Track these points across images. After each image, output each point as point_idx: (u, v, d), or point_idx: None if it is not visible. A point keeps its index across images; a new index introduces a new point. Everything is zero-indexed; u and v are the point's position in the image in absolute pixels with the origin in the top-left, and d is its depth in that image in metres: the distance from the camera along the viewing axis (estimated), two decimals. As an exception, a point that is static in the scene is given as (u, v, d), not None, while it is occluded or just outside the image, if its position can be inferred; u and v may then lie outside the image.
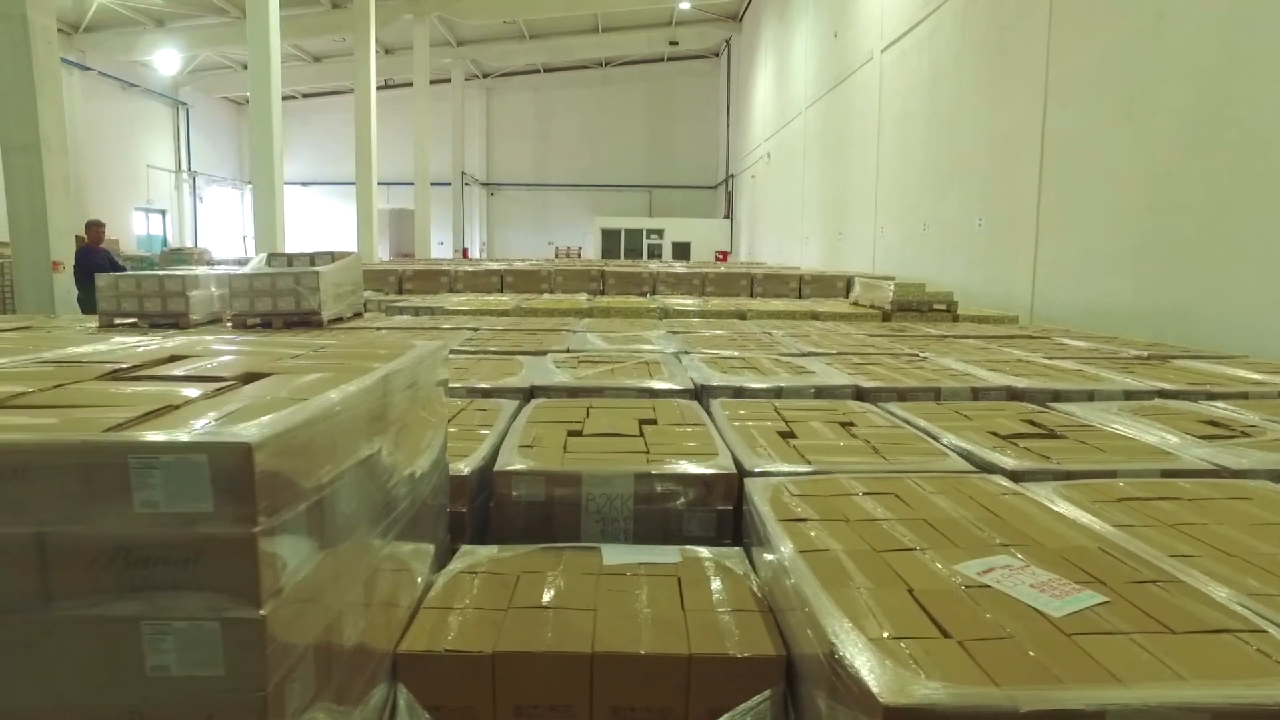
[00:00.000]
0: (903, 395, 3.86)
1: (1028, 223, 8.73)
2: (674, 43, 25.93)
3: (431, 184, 22.03)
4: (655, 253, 25.60)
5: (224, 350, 1.87)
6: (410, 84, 24.60)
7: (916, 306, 8.37)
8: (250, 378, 1.48)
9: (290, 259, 6.85)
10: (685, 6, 23.21)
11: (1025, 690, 1.15)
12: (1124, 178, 6.97)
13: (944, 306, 8.41)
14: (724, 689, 1.59)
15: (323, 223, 30.48)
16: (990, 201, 9.74)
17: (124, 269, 8.77)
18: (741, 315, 8.17)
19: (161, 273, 6.86)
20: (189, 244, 26.86)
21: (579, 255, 25.73)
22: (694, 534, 2.39)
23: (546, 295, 10.44)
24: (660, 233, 26.06)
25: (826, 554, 1.73)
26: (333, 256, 6.79)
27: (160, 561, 0.99)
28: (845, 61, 15.38)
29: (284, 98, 32.02)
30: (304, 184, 30.47)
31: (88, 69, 22.08)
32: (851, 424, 3.13)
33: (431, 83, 22.70)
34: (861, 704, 1.19)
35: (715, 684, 1.59)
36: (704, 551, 2.12)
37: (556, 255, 25.52)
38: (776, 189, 20.98)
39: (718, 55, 29.50)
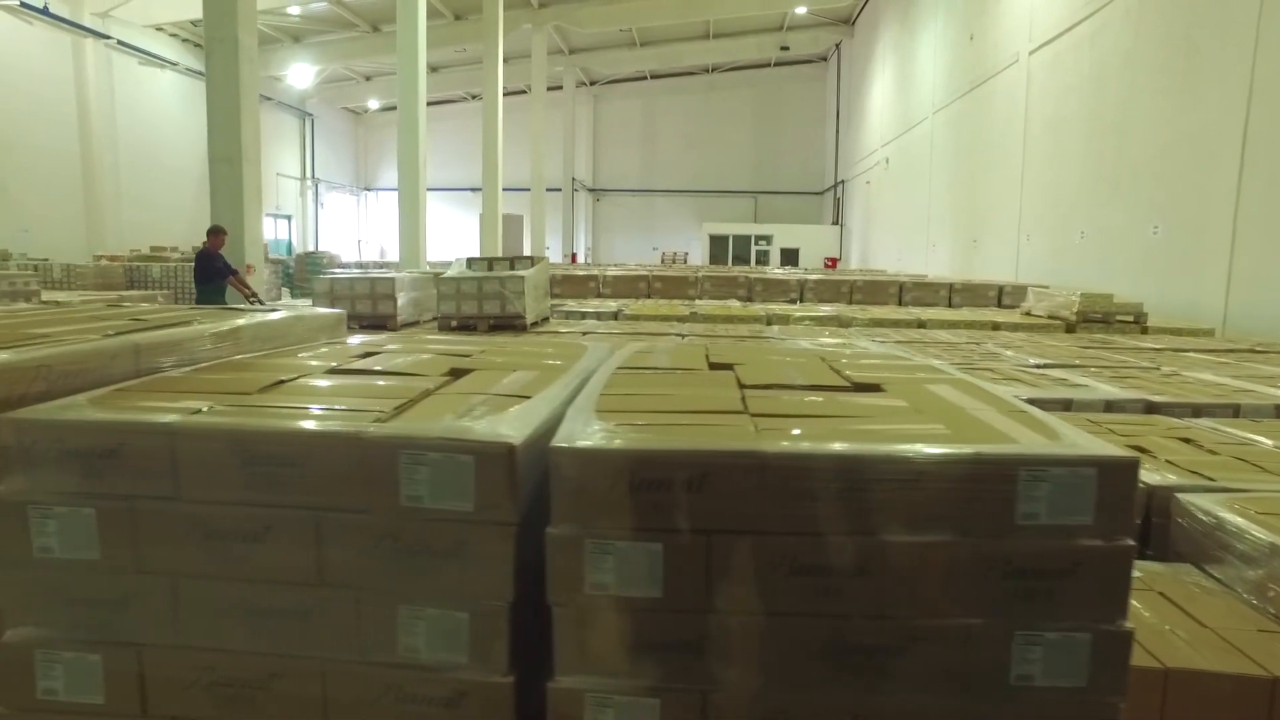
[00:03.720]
0: (1197, 411, 3.73)
1: (1221, 229, 8.28)
2: (785, 47, 25.74)
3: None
4: (763, 259, 25.44)
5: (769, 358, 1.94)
6: (519, 92, 25.25)
7: (1102, 318, 8.07)
8: (868, 387, 1.54)
9: (490, 263, 7.10)
10: (801, 11, 23.01)
11: None
12: (1359, 183, 6.53)
13: (1131, 318, 8.08)
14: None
15: (434, 227, 31.50)
16: (1169, 208, 9.29)
17: (237, 272, 9.20)
18: (921, 324, 8.03)
19: (374, 275, 7.23)
20: (310, 247, 28.20)
21: (685, 261, 25.80)
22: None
23: (699, 301, 10.50)
24: (768, 239, 25.88)
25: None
26: (532, 260, 7.01)
27: (1037, 573, 1.03)
28: (984, 65, 14.95)
29: (394, 108, 33.24)
30: (416, 190, 31.56)
31: (231, 83, 23.48)
32: (1190, 439, 3.04)
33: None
34: None
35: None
36: (1155, 566, 2.10)
37: (663, 261, 25.66)
38: (896, 195, 20.55)
39: (825, 60, 29.13)
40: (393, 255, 29.85)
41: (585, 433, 1.10)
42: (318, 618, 1.18)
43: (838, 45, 27.02)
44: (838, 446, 1.06)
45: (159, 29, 20.38)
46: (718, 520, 1.06)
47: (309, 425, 1.19)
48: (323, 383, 1.50)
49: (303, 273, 20.62)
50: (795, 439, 1.09)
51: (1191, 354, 5.80)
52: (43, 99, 17.04)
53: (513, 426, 1.14)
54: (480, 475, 1.09)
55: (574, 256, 27.99)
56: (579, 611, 1.09)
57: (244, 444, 1.15)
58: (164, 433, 1.16)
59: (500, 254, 20.59)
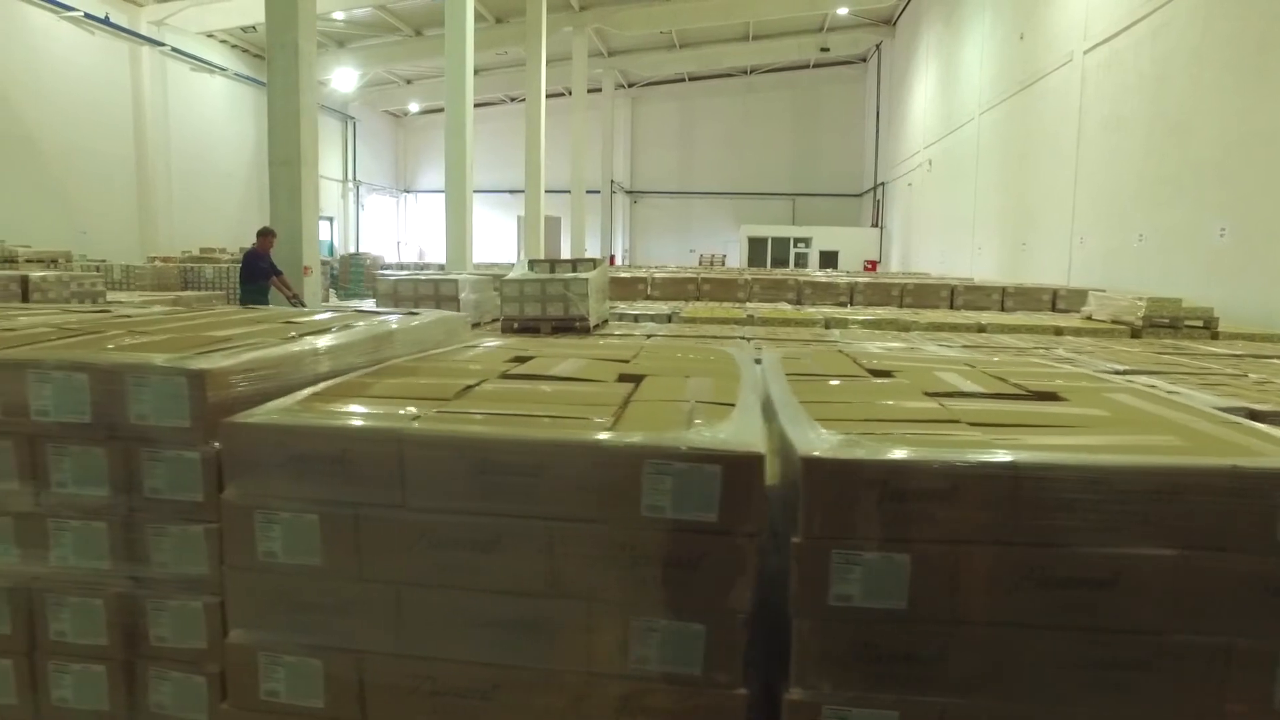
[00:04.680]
0: (1303, 420, 3.61)
1: (1296, 233, 8.05)
2: (825, 49, 25.56)
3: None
4: (801, 261, 25.28)
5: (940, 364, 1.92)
6: (558, 95, 25.38)
7: (1170, 323, 7.90)
8: (1047, 396, 1.51)
9: (552, 265, 7.14)
10: (843, 12, 22.84)
11: None
12: None
13: (1200, 323, 7.89)
14: None
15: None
16: (1237, 209, 9.05)
17: (280, 273, 9.31)
18: (981, 328, 7.91)
19: (437, 277, 7.30)
20: (351, 249, 28.59)
21: (722, 263, 25.72)
22: None
23: (749, 303, 10.45)
24: (807, 241, 25.73)
25: None
26: (595, 263, 7.04)
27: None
28: (1034, 64, 14.71)
29: (435, 110, 33.55)
30: (454, 193, 31.84)
31: (277, 88, 23.92)
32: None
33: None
34: None
35: None
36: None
37: (700, 263, 25.61)
38: (939, 197, 20.30)
39: (865, 61, 28.89)
40: (431, 257, 30.17)
41: (827, 442, 1.09)
42: (546, 629, 1.17)
43: (878, 46, 26.78)
44: (1088, 458, 1.04)
45: (210, 35, 20.85)
46: (966, 531, 1.04)
47: (544, 434, 1.19)
48: (507, 387, 1.50)
49: (346, 274, 20.89)
50: (1038, 450, 1.08)
51: (1276, 360, 5.64)
52: (102, 105, 17.53)
53: (748, 435, 1.14)
54: (727, 485, 1.08)
55: (612, 259, 28.08)
56: (820, 622, 1.08)
57: (477, 452, 1.15)
58: (393, 440, 1.17)
59: (542, 256, 20.73)
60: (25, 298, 8.78)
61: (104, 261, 15.06)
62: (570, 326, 6.66)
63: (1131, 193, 11.37)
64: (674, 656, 1.13)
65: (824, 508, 1.06)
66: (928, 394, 1.49)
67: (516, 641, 1.18)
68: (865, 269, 23.34)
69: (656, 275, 11.69)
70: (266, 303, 9.61)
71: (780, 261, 25.24)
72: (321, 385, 1.49)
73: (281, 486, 1.21)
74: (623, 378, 1.59)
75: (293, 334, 1.69)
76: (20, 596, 1.42)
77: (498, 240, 29.77)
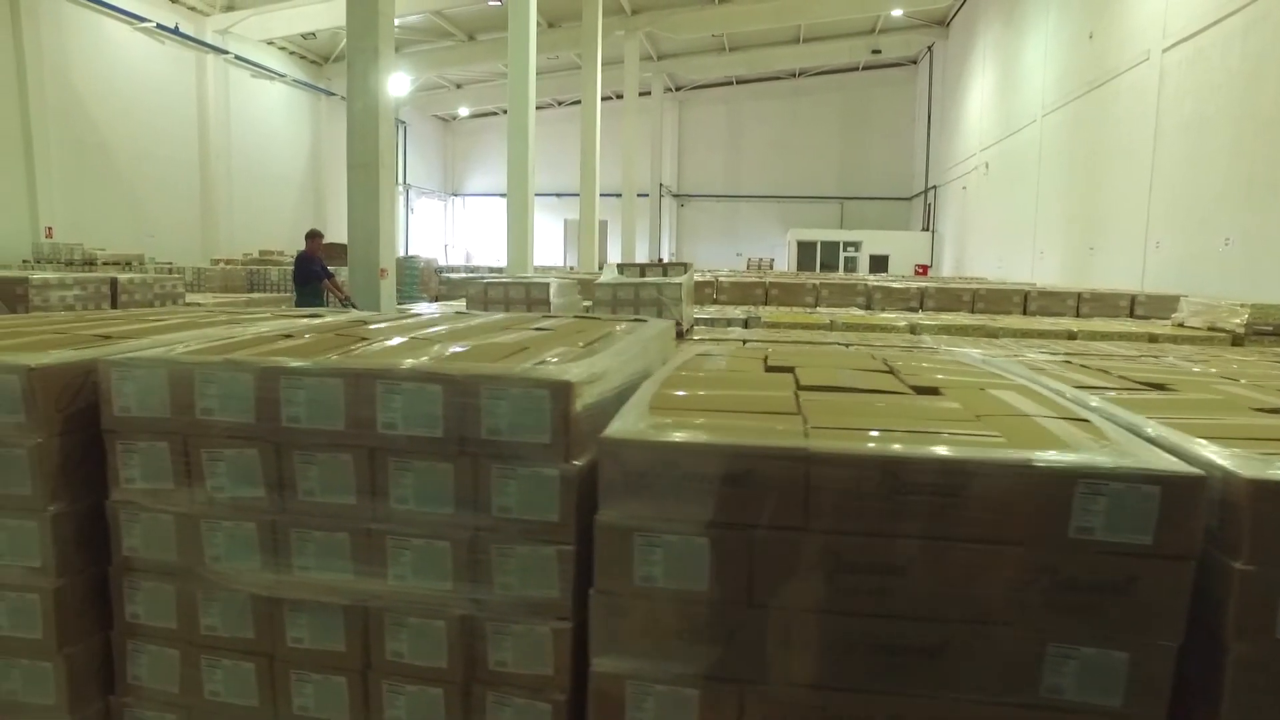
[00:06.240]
0: None
1: None
2: (877, 51, 25.31)
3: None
4: (850, 265, 25.03)
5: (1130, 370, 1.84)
6: (606, 99, 25.43)
7: (1275, 330, 7.63)
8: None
9: (642, 269, 7.12)
10: (897, 14, 22.58)
11: None
12: None
13: (1308, 331, 7.60)
14: None
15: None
16: (1341, 213, 8.72)
17: (332, 275, 9.43)
18: (1071, 335, 7.72)
19: (527, 280, 7.33)
20: (401, 252, 28.93)
21: (770, 267, 25.56)
22: None
23: (820, 308, 10.35)
24: (857, 245, 25.46)
25: None
26: (685, 267, 7.00)
27: None
28: (1105, 64, 14.37)
29: (484, 115, 33.68)
30: (501, 195, 32.09)
31: (332, 94, 24.34)
32: None
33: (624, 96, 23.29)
34: None
35: None
36: None
37: (748, 267, 25.49)
38: (997, 201, 19.93)
39: (915, 63, 28.52)
40: (478, 260, 30.42)
41: (1266, 465, 1.03)
42: (953, 655, 1.12)
43: (930, 48, 26.42)
44: None
45: (269, 43, 21.28)
46: None
47: (966, 453, 1.12)
48: (826, 399, 1.44)
49: (400, 276, 21.13)
50: None
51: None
52: (169, 112, 17.99)
53: (1154, 454, 1.08)
54: (1165, 507, 1.03)
55: (659, 261, 28.09)
56: (1264, 652, 1.01)
57: (892, 471, 1.10)
58: (800, 459, 1.12)
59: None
60: (114, 301, 9.01)
61: (171, 264, 15.44)
62: (661, 332, 6.61)
63: (1216, 195, 11.03)
64: (1091, 686, 1.07)
65: (1274, 533, 0.99)
66: (1256, 409, 1.41)
67: (919, 669, 1.13)
68: (916, 273, 23.02)
69: (723, 280, 11.63)
70: (322, 304, 9.78)
71: (829, 265, 25.01)
72: (646, 397, 1.44)
73: (669, 507, 1.16)
74: (917, 388, 1.53)
75: (584, 343, 1.66)
76: (356, 614, 1.40)
77: (543, 243, 29.94)
